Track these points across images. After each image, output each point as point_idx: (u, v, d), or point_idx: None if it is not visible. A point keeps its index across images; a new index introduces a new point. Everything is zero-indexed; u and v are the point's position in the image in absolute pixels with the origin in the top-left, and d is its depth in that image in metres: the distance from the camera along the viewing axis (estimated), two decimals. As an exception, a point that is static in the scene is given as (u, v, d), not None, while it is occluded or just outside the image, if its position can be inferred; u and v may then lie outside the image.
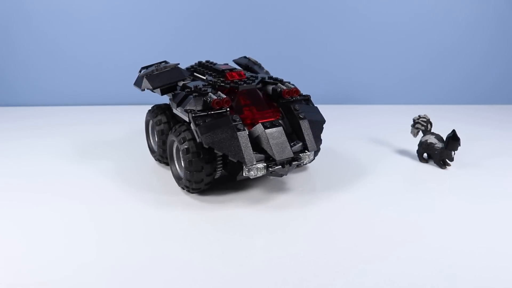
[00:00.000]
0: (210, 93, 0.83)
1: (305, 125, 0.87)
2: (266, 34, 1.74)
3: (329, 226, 0.80)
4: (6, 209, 0.86)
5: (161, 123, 0.99)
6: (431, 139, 1.11)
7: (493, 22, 1.77)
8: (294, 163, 0.83)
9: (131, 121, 1.51)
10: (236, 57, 1.31)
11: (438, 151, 1.09)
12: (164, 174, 1.03)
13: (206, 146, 0.77)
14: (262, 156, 0.80)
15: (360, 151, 1.23)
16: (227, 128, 0.78)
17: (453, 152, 1.08)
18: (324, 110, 1.75)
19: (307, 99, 0.96)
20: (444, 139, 1.09)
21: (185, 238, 0.75)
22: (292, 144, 0.85)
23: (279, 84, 0.93)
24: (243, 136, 0.78)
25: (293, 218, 0.82)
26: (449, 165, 1.11)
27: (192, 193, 0.90)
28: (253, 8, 1.70)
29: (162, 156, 1.03)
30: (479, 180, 1.03)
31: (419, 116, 1.17)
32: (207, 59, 1.18)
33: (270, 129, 0.82)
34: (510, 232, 0.79)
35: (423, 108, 1.69)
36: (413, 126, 1.18)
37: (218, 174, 0.88)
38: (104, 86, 1.77)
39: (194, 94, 0.84)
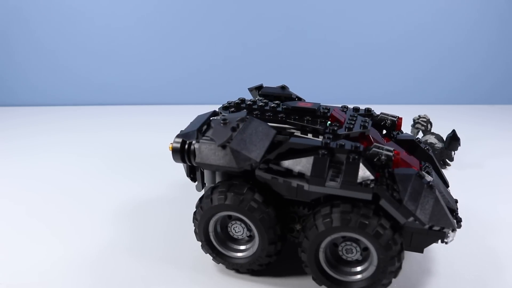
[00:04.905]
0: (376, 150, 0.56)
1: (434, 159, 0.68)
2: (266, 34, 1.74)
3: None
4: (3, 209, 0.86)
5: (266, 206, 0.60)
6: (431, 139, 1.11)
7: (493, 23, 1.77)
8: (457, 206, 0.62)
9: (130, 121, 1.51)
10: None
11: (438, 151, 1.09)
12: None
13: (427, 226, 0.54)
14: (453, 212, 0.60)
15: (360, 151, 1.23)
16: (426, 191, 0.55)
17: (453, 152, 1.08)
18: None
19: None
20: (444, 139, 1.09)
21: None
22: None
23: (382, 114, 0.72)
24: (434, 195, 0.56)
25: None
26: (449, 165, 1.11)
27: None
28: (253, 8, 1.70)
29: (270, 258, 0.63)
30: (479, 180, 1.03)
31: (419, 116, 1.17)
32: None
33: (433, 179, 0.59)
34: (510, 231, 0.79)
35: (423, 108, 1.69)
36: (413, 126, 1.18)
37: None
38: (102, 87, 1.76)
39: (352, 155, 0.55)
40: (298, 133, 0.65)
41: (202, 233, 0.64)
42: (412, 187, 0.54)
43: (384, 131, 0.74)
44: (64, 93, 1.75)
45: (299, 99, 0.78)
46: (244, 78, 1.79)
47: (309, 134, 0.64)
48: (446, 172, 1.08)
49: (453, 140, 1.05)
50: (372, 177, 0.53)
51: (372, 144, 0.59)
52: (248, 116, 0.63)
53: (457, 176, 1.05)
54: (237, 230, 0.64)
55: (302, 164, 0.57)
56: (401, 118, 0.72)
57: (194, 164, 0.61)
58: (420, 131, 1.23)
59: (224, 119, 0.60)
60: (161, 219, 0.82)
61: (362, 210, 0.54)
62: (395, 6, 1.73)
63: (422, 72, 1.84)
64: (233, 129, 0.59)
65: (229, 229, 0.64)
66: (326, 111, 0.67)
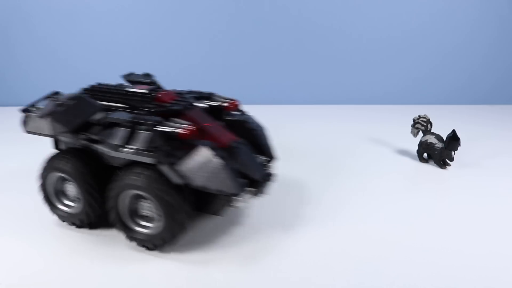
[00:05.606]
0: (168, 123, 0.67)
1: (261, 136, 0.82)
2: (267, 34, 1.74)
3: (329, 226, 0.80)
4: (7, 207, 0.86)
5: (87, 171, 0.72)
6: (431, 139, 1.11)
7: (494, 23, 1.77)
8: (271, 177, 0.77)
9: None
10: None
11: (438, 151, 1.09)
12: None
13: (196, 186, 0.65)
14: (245, 181, 0.70)
15: (360, 151, 1.23)
16: (210, 159, 0.65)
17: (453, 152, 1.08)
18: (325, 110, 1.76)
19: (239, 109, 0.88)
20: (444, 139, 1.09)
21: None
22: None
23: (216, 98, 0.84)
24: (228, 164, 0.67)
25: (291, 220, 0.82)
26: (449, 165, 1.11)
27: (161, 249, 0.71)
28: (254, 8, 1.70)
29: (91, 215, 0.75)
30: (479, 180, 1.03)
31: (419, 116, 1.17)
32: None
33: (242, 149, 0.73)
34: (510, 232, 0.79)
35: (424, 108, 1.69)
36: (413, 126, 1.18)
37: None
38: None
39: (143, 127, 0.66)
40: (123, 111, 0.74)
41: (43, 190, 0.77)
42: (197, 155, 0.65)
43: (220, 113, 0.82)
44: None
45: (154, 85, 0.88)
46: (244, 78, 1.79)
47: (132, 111, 0.73)
48: (446, 172, 1.08)
49: (453, 140, 1.05)
50: (158, 146, 0.64)
51: (192, 122, 0.69)
52: (79, 95, 0.75)
53: (457, 176, 1.05)
54: (69, 189, 0.76)
55: (112, 134, 0.68)
56: (233, 101, 0.83)
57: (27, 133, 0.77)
58: (420, 131, 1.23)
59: (55, 97, 0.77)
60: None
61: (150, 172, 0.66)
62: (395, 6, 1.73)
63: (422, 72, 1.84)
64: (59, 105, 0.73)
65: (65, 188, 0.77)
66: (155, 93, 0.74)
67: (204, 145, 0.66)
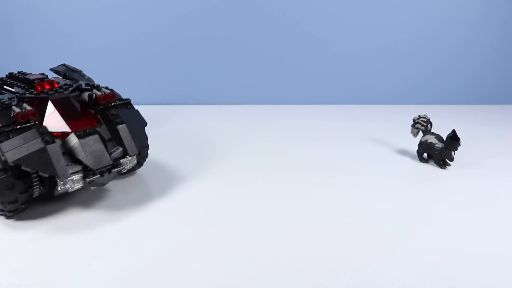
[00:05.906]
0: (13, 107, 0.77)
1: (123, 130, 0.86)
2: (268, 34, 1.74)
3: (329, 227, 0.80)
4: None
5: None
6: (431, 139, 1.11)
7: (494, 24, 1.77)
8: (114, 170, 0.83)
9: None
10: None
11: (438, 151, 1.09)
12: None
13: (12, 164, 0.72)
14: (79, 167, 0.78)
15: (360, 151, 1.23)
16: (34, 141, 0.74)
17: (453, 152, 1.08)
18: (325, 110, 1.76)
19: (126, 103, 0.94)
20: (444, 139, 1.09)
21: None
22: (112, 151, 0.84)
23: (94, 90, 0.91)
24: (52, 148, 0.75)
25: (285, 216, 0.82)
26: (449, 165, 1.11)
27: (8, 217, 0.81)
28: (254, 8, 1.70)
29: None
30: (479, 180, 1.03)
31: (419, 116, 1.17)
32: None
33: (84, 138, 0.80)
34: (510, 232, 0.79)
35: (424, 108, 1.69)
36: (413, 126, 1.18)
37: (36, 193, 0.81)
38: (107, 84, 1.77)
39: None
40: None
41: None
42: (24, 137, 0.73)
43: (95, 105, 0.89)
44: None
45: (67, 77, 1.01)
46: (245, 79, 1.79)
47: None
48: (446, 172, 1.08)
49: (453, 140, 1.05)
50: None
51: (49, 109, 0.81)
52: None
53: (457, 176, 1.05)
54: None
55: None
56: (110, 94, 0.89)
57: None
58: (420, 131, 1.23)
59: None
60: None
61: None
62: (396, 8, 1.73)
63: (423, 72, 1.84)
64: None
65: None
66: (35, 82, 0.86)
67: (34, 128, 0.75)
